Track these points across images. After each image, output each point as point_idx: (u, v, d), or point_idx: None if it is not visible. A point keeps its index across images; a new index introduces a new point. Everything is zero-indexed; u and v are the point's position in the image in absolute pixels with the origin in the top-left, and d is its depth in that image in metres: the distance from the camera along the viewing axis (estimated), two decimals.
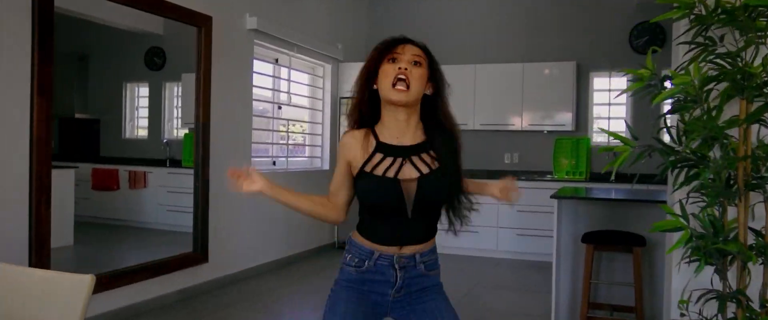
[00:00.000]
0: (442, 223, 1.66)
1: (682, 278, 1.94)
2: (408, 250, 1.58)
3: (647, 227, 3.50)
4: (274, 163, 5.47)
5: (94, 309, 3.39)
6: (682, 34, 1.89)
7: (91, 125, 6.89)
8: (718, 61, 1.72)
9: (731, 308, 1.71)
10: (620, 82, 6.11)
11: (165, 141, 6.70)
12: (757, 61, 1.65)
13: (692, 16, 1.75)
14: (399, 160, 1.56)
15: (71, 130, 6.60)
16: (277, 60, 5.50)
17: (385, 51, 1.57)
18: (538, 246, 5.71)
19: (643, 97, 1.75)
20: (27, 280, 1.43)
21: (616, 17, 6.04)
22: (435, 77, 1.60)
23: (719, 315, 1.69)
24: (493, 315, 4.01)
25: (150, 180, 6.54)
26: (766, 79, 1.64)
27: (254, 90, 5.05)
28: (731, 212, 1.75)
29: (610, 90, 6.13)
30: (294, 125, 6.08)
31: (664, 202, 3.05)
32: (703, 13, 1.72)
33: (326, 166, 6.13)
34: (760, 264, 1.69)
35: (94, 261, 4.69)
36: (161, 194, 6.38)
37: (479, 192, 1.78)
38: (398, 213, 1.55)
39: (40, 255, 3.13)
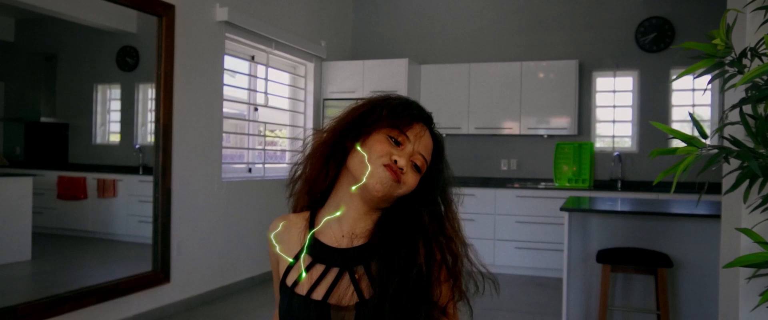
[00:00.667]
0: None
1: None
2: None
3: (672, 244, 3.04)
4: (249, 171, 4.96)
5: None
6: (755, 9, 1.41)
7: (60, 130, 6.39)
8: None
9: None
10: (626, 81, 5.67)
11: (138, 147, 6.23)
12: None
13: None
14: (333, 271, 1.05)
15: (38, 136, 6.12)
16: (253, 57, 5.01)
17: (392, 119, 1.06)
18: (539, 260, 5.25)
19: (716, 80, 1.26)
20: None
21: (620, 12, 5.61)
22: (435, 182, 1.12)
23: None
24: None
25: (120, 189, 6.08)
26: None
27: (227, 89, 4.55)
28: None
29: (615, 91, 5.68)
30: (273, 129, 5.59)
31: (711, 216, 2.58)
32: None
33: None
34: None
35: (52, 279, 4.25)
36: (132, 204, 5.92)
37: None
38: None
39: None
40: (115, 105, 6.51)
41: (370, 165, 1.02)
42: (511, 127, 5.78)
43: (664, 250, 2.98)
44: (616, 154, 5.62)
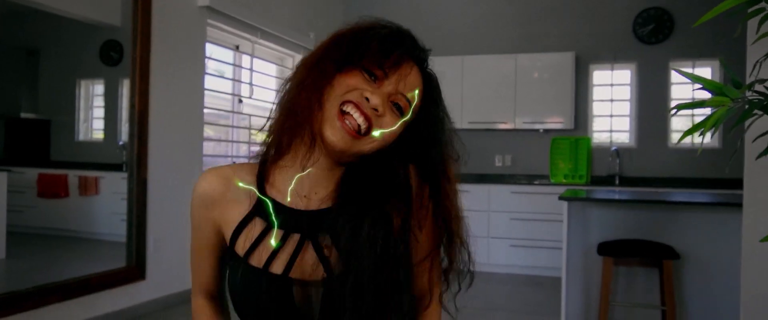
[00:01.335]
0: None
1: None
2: None
3: (677, 236, 2.85)
4: (233, 164, 4.76)
5: None
6: None
7: (41, 126, 6.22)
8: None
9: None
10: (624, 74, 5.51)
11: (121, 143, 6.07)
12: None
13: None
14: (295, 237, 0.86)
15: (18, 132, 5.95)
16: (237, 46, 4.82)
17: (366, 52, 0.85)
18: (536, 258, 5.07)
19: (745, 21, 1.08)
20: None
21: (618, 3, 5.45)
22: (427, 121, 0.91)
23: None
24: None
25: (103, 187, 5.91)
26: None
27: (209, 79, 4.36)
28: None
29: (612, 84, 5.52)
30: (258, 122, 5.39)
31: (719, 204, 2.40)
32: None
33: None
34: None
35: (25, 277, 4.08)
36: (115, 202, 5.74)
37: None
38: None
39: None
40: (99, 101, 6.33)
41: (327, 114, 0.82)
42: (505, 122, 5.61)
43: (668, 242, 2.79)
44: (613, 148, 5.45)
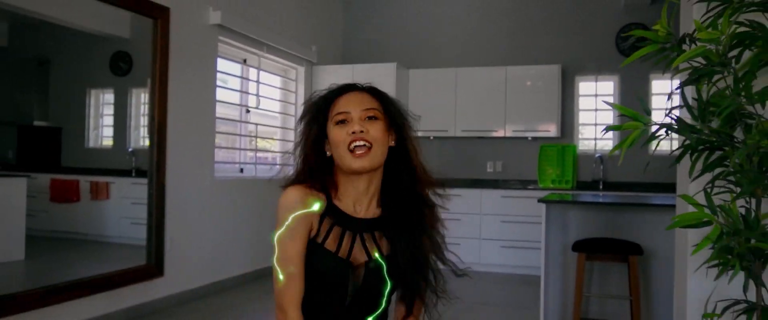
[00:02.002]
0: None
1: (701, 287, 1.61)
2: None
3: (644, 234, 3.19)
4: (241, 171, 5.08)
5: None
6: None
7: (52, 134, 6.48)
8: (744, 20, 1.40)
9: None
10: (607, 86, 5.86)
11: (130, 150, 6.31)
12: None
13: None
14: (349, 234, 1.22)
15: (30, 139, 6.22)
16: (245, 60, 5.15)
17: (326, 106, 1.24)
18: (524, 258, 5.39)
19: (657, 64, 1.42)
20: None
21: (602, 19, 5.80)
22: (395, 122, 1.26)
23: None
24: None
25: (113, 192, 6.14)
26: None
27: (220, 91, 4.69)
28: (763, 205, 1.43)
29: (596, 95, 5.87)
30: (264, 131, 5.72)
31: (670, 206, 2.74)
32: None
33: None
34: None
35: (47, 275, 4.35)
36: (125, 206, 5.98)
37: None
38: (336, 304, 1.22)
39: None
40: (108, 109, 6.60)
41: (344, 156, 1.18)
42: (496, 130, 5.94)
43: (635, 240, 3.13)
44: (597, 156, 5.79)
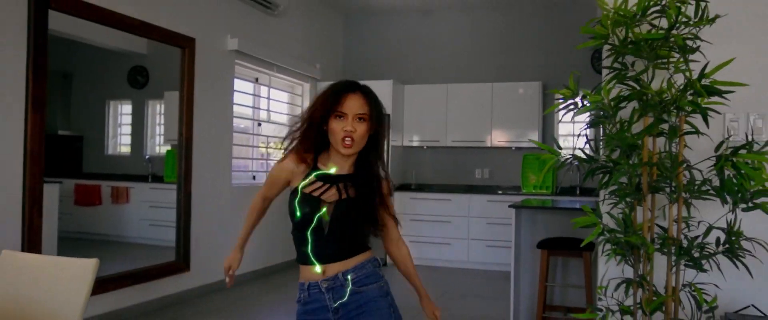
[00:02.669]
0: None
1: (608, 270, 2.23)
2: (331, 270, 1.73)
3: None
4: (253, 178, 5.70)
5: None
6: (604, 59, 2.20)
7: (74, 142, 7.04)
8: (629, 83, 2.03)
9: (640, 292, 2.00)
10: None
11: (147, 157, 6.85)
12: (656, 83, 1.96)
13: (609, 46, 2.07)
14: (326, 185, 1.73)
15: (54, 147, 6.76)
16: (257, 79, 5.77)
17: (334, 103, 1.73)
18: (507, 256, 5.97)
19: (567, 113, 2.05)
20: (35, 265, 1.67)
21: (577, 42, 6.40)
22: (376, 120, 1.77)
23: (631, 298, 1.98)
24: (454, 316, 4.26)
25: (132, 196, 6.67)
26: (667, 97, 1.95)
27: (235, 108, 5.30)
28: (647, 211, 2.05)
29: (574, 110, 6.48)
30: (273, 141, 6.32)
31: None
32: (617, 43, 2.04)
33: None
34: (668, 254, 1.98)
35: None
36: (144, 209, 6.51)
37: (416, 288, 1.90)
38: (317, 231, 1.73)
39: None
40: (126, 119, 7.17)
41: (337, 143, 1.72)
42: (483, 141, 6.56)
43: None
44: (575, 164, 6.39)
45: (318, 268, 1.73)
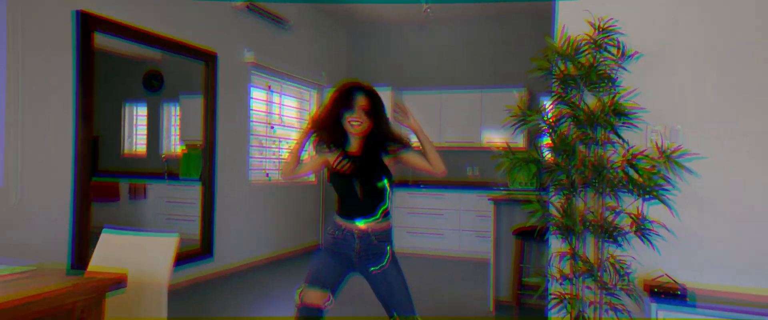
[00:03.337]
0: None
1: (554, 247, 2.88)
2: (363, 226, 2.40)
3: None
4: (267, 176, 6.35)
5: None
6: (552, 84, 2.85)
7: (92, 142, 7.64)
8: (567, 104, 2.68)
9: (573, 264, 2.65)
10: None
11: (163, 157, 7.46)
12: (594, 102, 2.61)
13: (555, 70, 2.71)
14: (351, 163, 2.40)
15: None
16: (270, 87, 6.41)
17: (345, 100, 2.41)
18: None
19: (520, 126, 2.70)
20: (129, 241, 2.31)
21: None
22: (376, 113, 2.43)
23: (569, 267, 2.63)
24: (443, 298, 4.92)
25: (150, 193, 7.28)
26: (593, 116, 2.59)
27: (251, 113, 5.94)
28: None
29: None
30: (284, 142, 6.96)
31: None
32: (558, 72, 2.69)
33: (313, 179, 7.04)
34: (597, 236, 2.63)
35: None
36: (160, 204, 7.11)
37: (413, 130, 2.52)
38: (354, 194, 2.40)
39: (81, 244, 3.99)
40: (142, 120, 7.79)
41: (348, 127, 2.39)
42: (474, 141, 7.20)
43: None
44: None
45: (361, 224, 2.38)
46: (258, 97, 6.25)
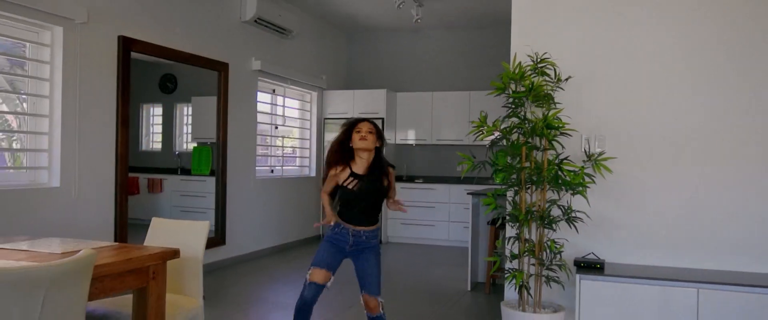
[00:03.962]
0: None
1: (508, 232, 3.53)
2: (359, 228, 3.00)
3: None
4: (272, 171, 7.02)
5: None
6: (507, 101, 3.50)
7: None
8: (516, 117, 3.33)
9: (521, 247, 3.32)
10: None
11: (176, 153, 8.10)
12: (539, 114, 3.26)
13: (509, 91, 3.36)
14: (358, 180, 2.99)
15: None
16: (274, 90, 7.06)
17: (354, 125, 3.03)
18: None
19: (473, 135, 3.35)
20: (173, 225, 2.97)
21: None
22: (378, 138, 3.05)
23: (517, 248, 3.30)
24: (431, 279, 5.58)
25: (165, 186, 7.92)
26: (536, 127, 3.24)
27: (257, 115, 6.60)
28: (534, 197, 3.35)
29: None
30: (287, 141, 7.62)
31: None
32: (511, 92, 3.33)
33: (313, 174, 7.70)
34: (541, 224, 3.28)
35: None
36: (175, 197, 7.74)
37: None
38: (356, 207, 3.00)
39: (122, 228, 4.67)
40: (158, 120, 8.42)
41: (356, 144, 3.00)
42: (462, 139, 7.84)
43: None
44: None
45: (357, 228, 2.99)
46: (263, 99, 6.90)
